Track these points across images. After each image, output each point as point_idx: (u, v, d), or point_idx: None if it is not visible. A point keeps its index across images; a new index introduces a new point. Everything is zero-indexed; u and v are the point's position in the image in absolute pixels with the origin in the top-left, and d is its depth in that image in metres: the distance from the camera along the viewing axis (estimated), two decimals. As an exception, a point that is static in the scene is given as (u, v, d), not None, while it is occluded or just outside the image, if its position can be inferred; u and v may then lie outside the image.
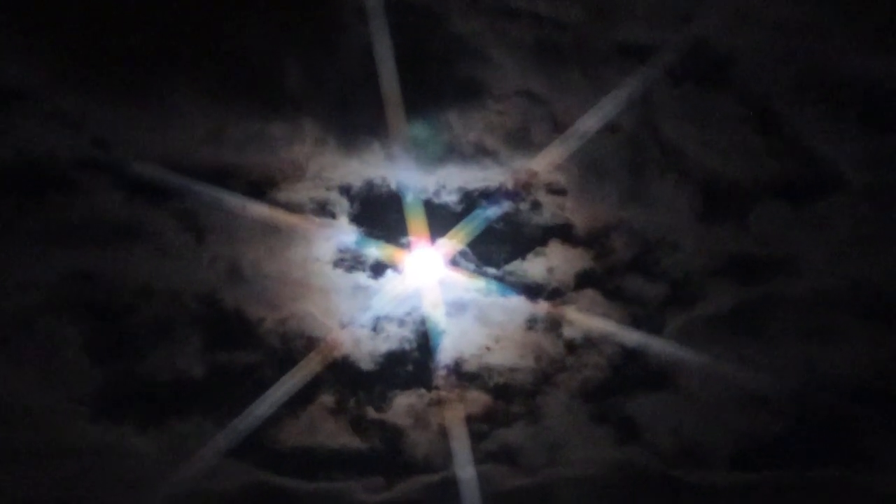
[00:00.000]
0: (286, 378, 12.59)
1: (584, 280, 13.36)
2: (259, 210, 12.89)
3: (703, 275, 13.30)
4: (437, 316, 13.00)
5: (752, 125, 13.43)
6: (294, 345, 12.94)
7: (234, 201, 12.84)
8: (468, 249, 13.07)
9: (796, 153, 13.39)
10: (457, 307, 13.07)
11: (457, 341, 12.98)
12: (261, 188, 13.03)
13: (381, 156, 12.98)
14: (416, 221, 12.93)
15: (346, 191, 13.12)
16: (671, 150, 13.37)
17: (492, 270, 13.16)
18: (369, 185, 13.12)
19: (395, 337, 12.99)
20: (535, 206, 13.32)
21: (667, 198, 13.34)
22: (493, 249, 13.23)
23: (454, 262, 13.05)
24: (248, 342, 13.00)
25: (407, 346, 13.02)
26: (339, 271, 13.07)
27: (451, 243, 13.01)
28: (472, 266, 13.09)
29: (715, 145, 13.34)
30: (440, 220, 13.06)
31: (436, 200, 13.09)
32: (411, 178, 12.96)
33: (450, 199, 13.10)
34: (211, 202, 12.81)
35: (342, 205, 13.10)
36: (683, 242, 13.35)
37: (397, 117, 12.72)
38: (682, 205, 13.34)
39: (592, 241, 13.39)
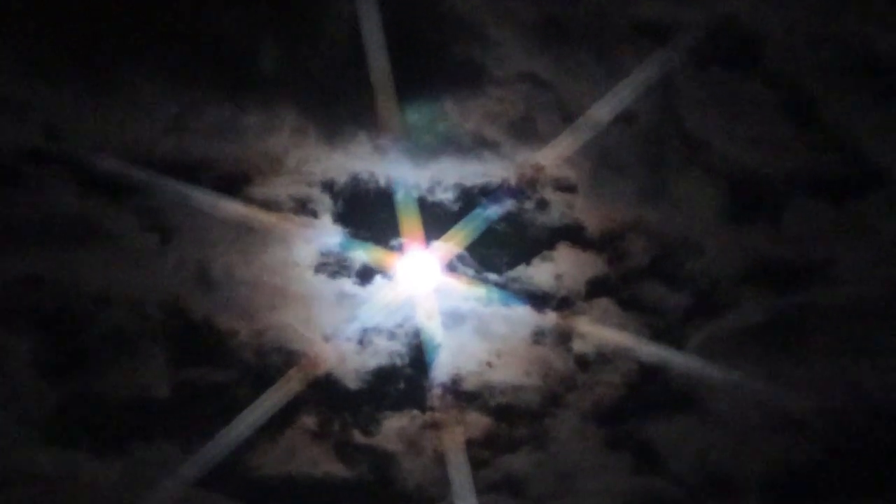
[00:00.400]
0: (262, 398, 11.88)
1: (596, 288, 12.69)
2: (231, 208, 12.06)
3: (731, 282, 12.70)
4: (433, 328, 12.31)
5: (786, 114, 12.66)
6: (271, 360, 12.18)
7: (203, 198, 12.00)
8: (466, 253, 12.31)
9: (835, 145, 12.63)
10: (454, 318, 12.39)
11: (454, 356, 12.34)
12: (233, 183, 12.16)
13: (368, 148, 12.17)
14: (409, 221, 12.15)
15: (328, 187, 12.32)
16: (695, 142, 12.65)
17: (493, 277, 12.42)
18: (355, 181, 12.31)
19: (384, 351, 12.28)
20: (542, 204, 12.54)
21: (690, 195, 12.68)
22: (495, 253, 12.48)
23: (451, 268, 12.30)
24: (220, 357, 12.25)
25: (398, 362, 12.31)
26: (322, 277, 12.28)
27: (447, 246, 12.25)
28: (471, 272, 12.35)
29: (744, 136, 12.60)
30: (435, 219, 12.28)
31: (430, 198, 12.30)
32: (402, 172, 12.17)
33: (445, 196, 12.32)
34: (177, 199, 12.00)
35: (325, 203, 12.30)
36: (708, 245, 12.70)
37: (386, 104, 11.97)
38: (708, 203, 12.70)
39: (606, 243, 12.72)
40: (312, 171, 12.30)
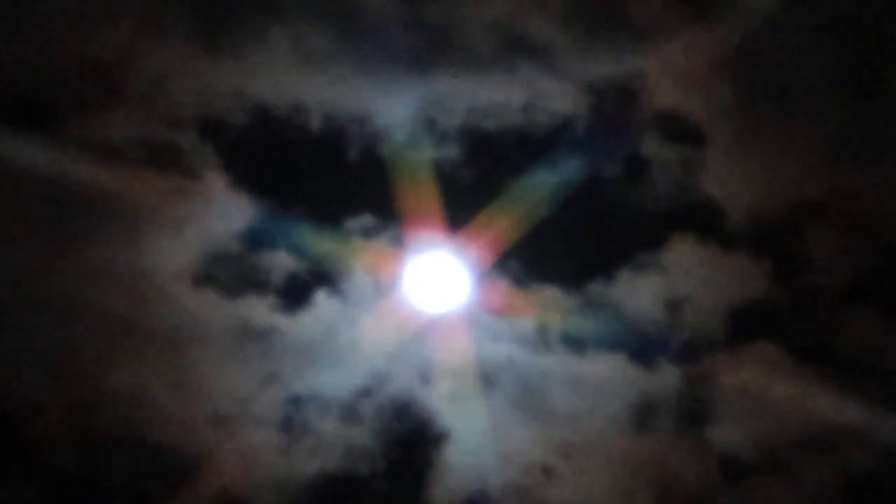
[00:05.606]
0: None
1: (751, 322, 8.87)
2: (38, 160, 8.09)
3: None
4: (437, 397, 8.28)
5: None
6: (114, 462, 8.04)
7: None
8: (505, 258, 8.42)
9: None
10: (479, 377, 8.35)
11: (479, 454, 8.40)
12: (41, 117, 8.39)
13: (292, 56, 8.37)
14: (383, 193, 8.36)
15: (216, 126, 8.25)
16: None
17: (553, 298, 8.49)
18: (270, 116, 8.42)
19: (338, 444, 8.14)
20: (639, 165, 8.67)
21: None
22: (554, 257, 8.56)
23: (480, 281, 8.40)
24: (19, 458, 8.12)
25: (363, 469, 8.21)
26: (211, 296, 8.25)
27: (466, 243, 8.28)
28: (513, 289, 8.43)
29: None
30: (442, 192, 8.45)
31: (424, 153, 8.55)
32: (371, 99, 8.32)
33: (451, 152, 8.50)
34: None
35: (210, 153, 8.23)
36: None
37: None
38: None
39: (766, 241, 8.90)
40: (185, 98, 8.49)
